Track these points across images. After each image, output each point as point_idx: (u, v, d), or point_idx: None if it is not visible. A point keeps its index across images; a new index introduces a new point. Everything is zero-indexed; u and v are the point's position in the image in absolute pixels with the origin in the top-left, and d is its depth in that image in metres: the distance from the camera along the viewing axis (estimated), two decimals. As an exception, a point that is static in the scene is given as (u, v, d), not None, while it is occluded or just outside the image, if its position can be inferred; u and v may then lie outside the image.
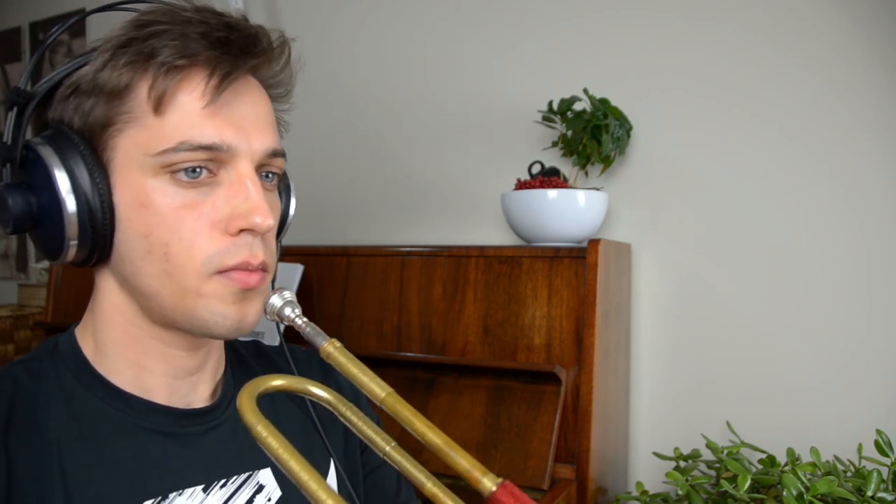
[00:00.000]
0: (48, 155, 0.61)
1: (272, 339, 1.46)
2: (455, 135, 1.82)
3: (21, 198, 0.62)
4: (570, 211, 1.41)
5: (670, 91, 1.55)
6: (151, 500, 0.64)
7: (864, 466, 1.20)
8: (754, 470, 1.24)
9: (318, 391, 0.57)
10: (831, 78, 1.40)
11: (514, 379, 1.33)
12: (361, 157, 1.97)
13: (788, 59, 1.44)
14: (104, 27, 0.71)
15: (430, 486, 0.50)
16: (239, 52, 0.63)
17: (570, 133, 1.52)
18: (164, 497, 0.64)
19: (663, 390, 1.56)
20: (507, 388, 1.33)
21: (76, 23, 0.71)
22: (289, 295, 0.65)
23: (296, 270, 1.52)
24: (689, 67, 1.53)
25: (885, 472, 1.14)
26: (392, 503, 0.87)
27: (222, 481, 0.69)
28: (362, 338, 1.50)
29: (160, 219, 0.61)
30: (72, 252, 0.63)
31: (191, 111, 0.61)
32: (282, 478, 0.73)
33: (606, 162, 1.52)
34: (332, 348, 0.57)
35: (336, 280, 1.55)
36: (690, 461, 1.35)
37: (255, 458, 0.72)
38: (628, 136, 1.53)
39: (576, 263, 1.32)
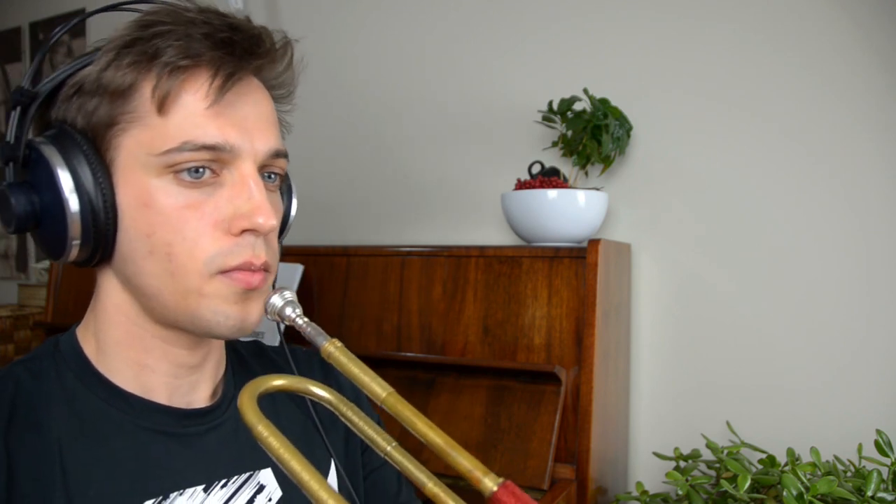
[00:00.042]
0: (51, 154, 0.61)
1: (272, 338, 1.46)
2: (455, 135, 1.82)
3: (24, 197, 0.62)
4: (570, 211, 1.41)
5: (670, 91, 1.55)
6: (152, 500, 0.64)
7: (864, 466, 1.20)
8: (754, 470, 1.24)
9: (319, 391, 0.57)
10: (831, 78, 1.40)
11: (514, 379, 1.33)
12: (361, 157, 1.97)
13: (788, 59, 1.44)
14: (104, 27, 0.71)
15: (432, 486, 0.50)
16: (242, 53, 0.63)
17: (570, 133, 1.52)
18: (165, 497, 0.64)
19: (663, 390, 1.56)
20: (507, 388, 1.33)
21: (68, 23, 0.71)
22: (289, 295, 0.65)
23: (296, 270, 1.52)
24: (689, 67, 1.53)
25: (885, 472, 1.14)
26: (393, 503, 0.87)
27: (223, 481, 0.69)
28: (362, 338, 1.50)
29: (163, 218, 0.62)
30: (74, 252, 0.63)
31: (194, 111, 0.61)
32: (282, 478, 0.73)
33: (606, 162, 1.52)
34: (333, 348, 0.57)
35: (336, 280, 1.55)
36: (690, 461, 1.35)
37: (256, 458, 0.72)
38: (628, 136, 1.53)
39: (576, 263, 1.32)
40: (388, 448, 0.54)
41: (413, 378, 1.42)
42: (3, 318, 2.44)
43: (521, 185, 1.48)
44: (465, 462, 0.48)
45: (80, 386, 0.66)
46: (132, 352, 0.67)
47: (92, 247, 0.63)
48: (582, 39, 1.65)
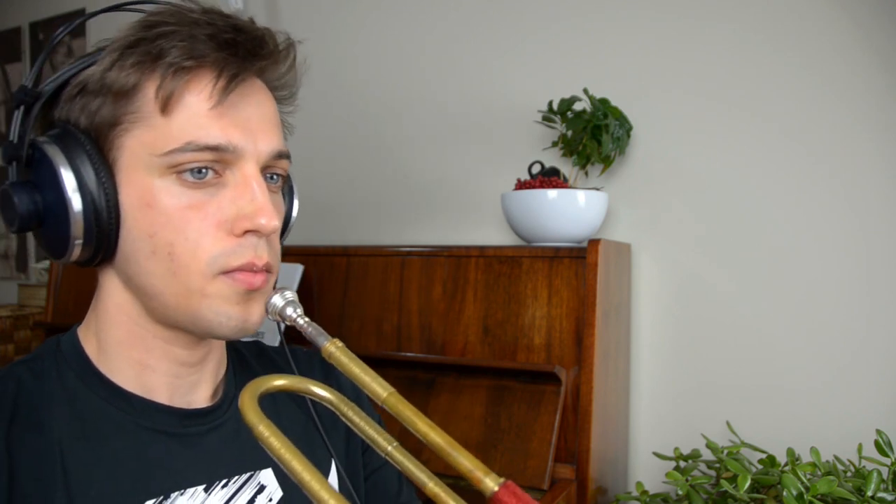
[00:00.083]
0: (54, 154, 0.61)
1: (273, 338, 1.46)
2: (455, 135, 1.82)
3: (27, 196, 0.63)
4: (570, 211, 1.41)
5: (670, 91, 1.55)
6: (153, 500, 0.64)
7: (864, 466, 1.20)
8: (754, 470, 1.24)
9: (320, 391, 0.57)
10: (831, 78, 1.40)
11: (514, 379, 1.33)
12: (361, 157, 1.97)
13: (788, 59, 1.44)
14: (104, 27, 0.71)
15: (432, 486, 0.50)
16: (246, 54, 0.63)
17: (570, 133, 1.52)
18: (166, 497, 0.64)
19: (663, 390, 1.56)
20: (507, 388, 1.33)
21: (72, 22, 0.71)
22: (290, 295, 0.65)
23: (296, 270, 1.52)
24: (689, 67, 1.53)
25: (885, 472, 1.14)
26: (393, 503, 0.87)
27: (224, 481, 0.69)
28: (362, 338, 1.50)
29: (166, 219, 0.62)
30: (77, 251, 0.63)
31: (198, 112, 0.61)
32: (283, 478, 0.73)
33: (606, 162, 1.52)
34: (333, 348, 0.57)
35: (336, 280, 1.55)
36: (690, 461, 1.35)
37: (257, 458, 0.72)
38: (628, 136, 1.53)
39: (576, 263, 1.32)
40: (389, 448, 0.54)
41: (413, 378, 1.42)
42: (3, 318, 2.44)
43: (521, 185, 1.49)
44: (466, 462, 0.48)
45: (82, 386, 0.66)
46: (133, 352, 0.67)
47: (94, 246, 0.63)
48: (582, 39, 1.65)
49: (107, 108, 0.62)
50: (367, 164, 1.96)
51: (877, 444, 1.17)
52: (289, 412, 0.78)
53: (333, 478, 0.79)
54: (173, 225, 0.62)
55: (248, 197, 0.63)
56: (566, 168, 1.56)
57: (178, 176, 0.62)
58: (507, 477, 0.47)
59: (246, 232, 0.63)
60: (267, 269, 0.65)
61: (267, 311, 0.66)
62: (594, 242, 1.31)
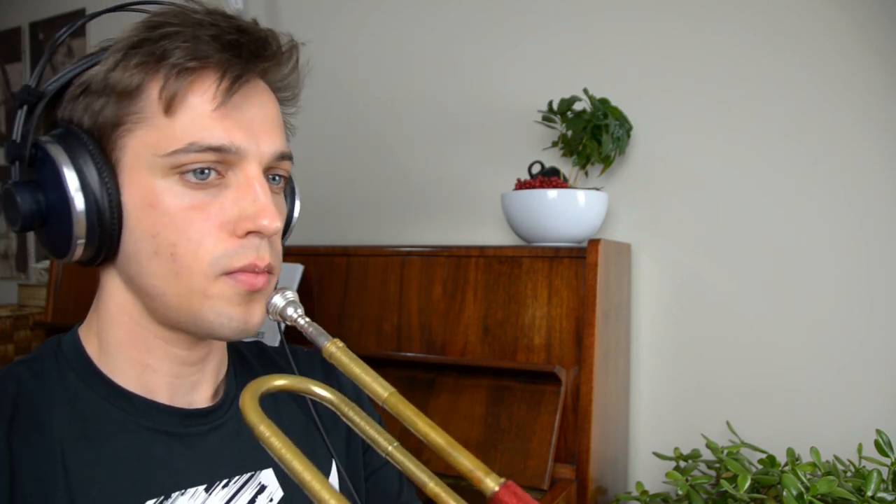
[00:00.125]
0: (57, 153, 0.61)
1: (273, 338, 1.46)
2: (455, 135, 1.82)
3: (30, 196, 0.63)
4: (570, 211, 1.41)
5: (670, 91, 1.55)
6: (154, 500, 0.64)
7: (864, 466, 1.20)
8: (754, 470, 1.24)
9: (321, 391, 0.57)
10: (831, 78, 1.40)
11: (514, 379, 1.33)
12: (361, 157, 1.97)
13: (788, 59, 1.44)
14: (105, 27, 0.71)
15: (433, 486, 0.50)
16: (250, 56, 0.63)
17: (570, 133, 1.52)
18: (167, 497, 0.64)
19: (663, 390, 1.56)
20: (507, 388, 1.33)
21: (75, 22, 0.71)
22: (291, 295, 0.65)
23: (296, 270, 1.52)
24: (689, 67, 1.53)
25: (885, 472, 1.14)
26: (394, 503, 0.87)
27: (224, 481, 0.69)
28: (362, 338, 1.50)
29: (168, 219, 0.62)
30: (79, 251, 0.63)
31: (201, 113, 0.61)
32: (284, 478, 0.73)
33: (606, 162, 1.52)
34: (334, 348, 0.57)
35: (336, 280, 1.55)
36: (690, 461, 1.35)
37: (258, 458, 0.72)
38: (628, 136, 1.53)
39: (576, 263, 1.32)
40: (390, 448, 0.54)
41: (413, 378, 1.42)
42: (3, 318, 2.44)
43: (521, 185, 1.49)
44: (467, 462, 0.48)
45: (83, 386, 0.66)
46: (135, 352, 0.67)
47: (97, 246, 0.63)
48: (582, 39, 1.65)
49: (110, 109, 0.62)
50: (367, 164, 1.96)
51: (877, 444, 1.17)
52: (289, 412, 0.78)
53: (334, 478, 0.79)
54: (176, 225, 0.62)
55: (250, 198, 0.63)
56: (566, 168, 1.56)
57: (181, 176, 0.62)
58: (507, 477, 0.47)
59: (248, 233, 0.63)
60: (269, 271, 0.65)
61: (268, 311, 0.66)
62: (594, 242, 1.31)
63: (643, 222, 1.58)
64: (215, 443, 0.70)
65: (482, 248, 1.41)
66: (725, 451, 1.28)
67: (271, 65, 0.66)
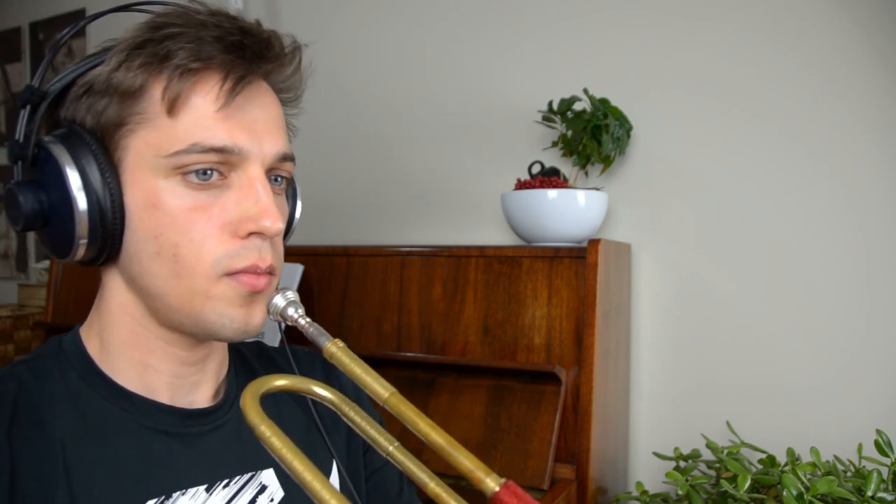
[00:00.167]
0: (60, 153, 0.62)
1: (273, 338, 1.46)
2: (455, 135, 1.82)
3: (32, 195, 0.63)
4: (570, 211, 1.41)
5: (670, 91, 1.55)
6: (155, 500, 0.64)
7: (864, 466, 1.20)
8: (754, 470, 1.25)
9: (322, 391, 0.57)
10: (831, 78, 1.40)
11: (514, 379, 1.33)
12: (361, 157, 1.97)
13: (788, 59, 1.44)
14: (105, 27, 0.71)
15: (434, 486, 0.50)
16: (253, 57, 0.63)
17: (570, 133, 1.52)
18: (168, 497, 0.64)
19: (663, 390, 1.56)
20: (507, 388, 1.33)
21: (78, 22, 0.71)
22: (292, 295, 0.65)
23: (296, 270, 1.52)
24: (689, 67, 1.53)
25: (885, 472, 1.15)
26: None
27: (225, 481, 0.69)
28: (362, 338, 1.50)
29: (170, 220, 0.62)
30: (81, 251, 0.63)
31: (204, 114, 0.61)
32: (284, 478, 0.73)
33: (606, 162, 1.52)
34: (335, 348, 0.57)
35: (336, 280, 1.56)
36: (690, 461, 1.35)
37: (258, 458, 0.72)
38: (628, 136, 1.53)
39: (576, 263, 1.32)
40: (391, 448, 0.54)
41: (413, 378, 1.42)
42: (3, 318, 2.44)
43: (521, 185, 1.49)
44: (467, 462, 0.48)
45: (84, 385, 0.66)
46: (136, 352, 0.67)
47: (99, 246, 0.63)
48: (582, 39, 1.65)
49: (113, 109, 0.62)
50: (367, 164, 1.96)
51: (877, 444, 1.17)
52: (290, 413, 0.79)
53: (335, 478, 0.79)
54: (178, 226, 0.62)
55: (252, 199, 0.63)
56: (566, 168, 1.56)
57: (184, 177, 0.62)
58: (506, 477, 0.47)
59: (250, 234, 0.63)
60: (270, 272, 0.65)
61: (268, 311, 0.66)
62: (594, 242, 1.31)
63: (643, 222, 1.58)
64: (216, 443, 0.70)
65: (482, 248, 1.41)
66: (725, 451, 1.28)
67: (274, 66, 0.66)
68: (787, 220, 1.44)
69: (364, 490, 0.84)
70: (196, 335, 0.67)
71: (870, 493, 1.09)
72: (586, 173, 1.59)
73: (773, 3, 1.45)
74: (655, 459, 1.49)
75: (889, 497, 1.09)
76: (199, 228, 0.62)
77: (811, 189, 1.42)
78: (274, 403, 0.77)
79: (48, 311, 1.97)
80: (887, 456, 1.16)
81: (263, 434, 0.48)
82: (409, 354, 1.44)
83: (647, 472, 1.56)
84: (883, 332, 1.36)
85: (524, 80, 1.72)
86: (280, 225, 0.63)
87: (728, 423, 1.43)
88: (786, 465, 1.22)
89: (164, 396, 0.68)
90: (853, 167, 1.39)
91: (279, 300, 0.65)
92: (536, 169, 1.54)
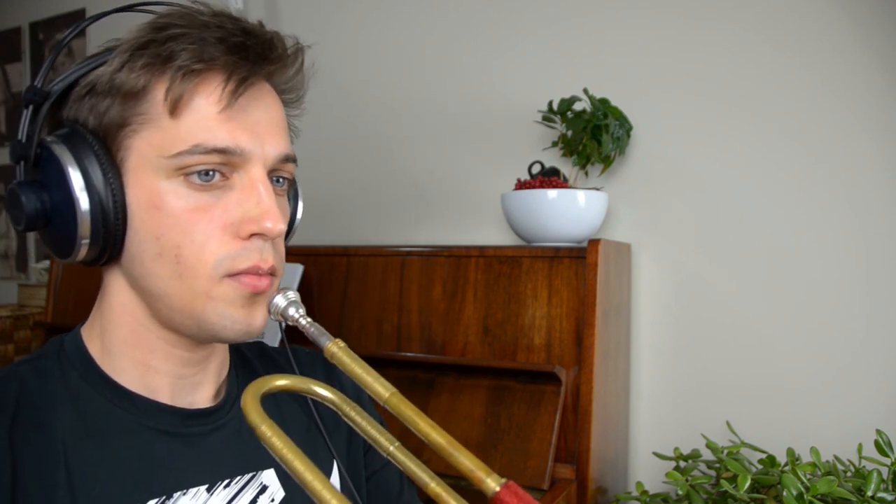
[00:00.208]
0: (62, 153, 0.62)
1: (273, 338, 1.46)
2: (455, 135, 1.82)
3: (34, 195, 0.63)
4: (570, 211, 1.41)
5: (670, 91, 1.55)
6: (155, 500, 0.64)
7: (864, 466, 1.20)
8: (754, 470, 1.25)
9: (322, 391, 0.57)
10: (831, 78, 1.40)
11: (514, 379, 1.33)
12: (361, 157, 1.97)
13: (788, 59, 1.44)
14: (105, 27, 0.71)
15: (434, 485, 0.50)
16: (256, 58, 0.63)
17: (570, 133, 1.52)
18: (169, 497, 0.65)
19: (663, 390, 1.56)
20: (507, 388, 1.33)
21: (81, 23, 0.71)
22: (293, 295, 0.65)
23: (296, 270, 1.52)
24: (689, 67, 1.53)
25: (885, 472, 1.15)
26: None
27: (226, 481, 0.69)
28: (362, 338, 1.50)
29: (172, 220, 0.62)
30: (83, 251, 0.63)
31: (206, 115, 0.62)
32: (285, 478, 0.73)
33: (606, 162, 1.52)
34: (336, 348, 0.57)
35: (336, 280, 1.56)
36: (690, 461, 1.35)
37: (259, 458, 0.72)
38: (628, 136, 1.53)
39: (576, 263, 1.32)
40: (391, 448, 0.54)
41: (413, 378, 1.42)
42: (3, 318, 2.43)
43: (521, 185, 1.49)
44: (468, 462, 0.48)
45: (85, 385, 0.66)
46: (137, 352, 0.67)
47: (101, 246, 0.63)
48: (582, 39, 1.65)
49: (115, 109, 0.62)
50: (367, 164, 1.96)
51: (877, 444, 1.17)
52: (291, 413, 0.79)
53: (335, 478, 0.79)
54: (180, 227, 0.62)
55: (254, 200, 0.63)
56: (566, 168, 1.57)
57: (186, 178, 0.62)
58: (506, 477, 0.47)
59: (252, 235, 0.63)
60: (272, 273, 0.65)
61: (269, 311, 0.66)
62: (594, 242, 1.31)
63: (643, 222, 1.58)
64: (217, 443, 0.70)
65: (482, 248, 1.41)
66: (725, 451, 1.28)
67: (277, 67, 0.66)
68: (787, 220, 1.44)
69: (365, 490, 0.84)
70: (198, 337, 0.66)
71: (870, 493, 1.09)
72: (586, 173, 1.59)
73: (773, 3, 1.45)
74: (655, 459, 1.49)
75: (889, 497, 1.09)
76: (201, 229, 0.62)
77: (811, 189, 1.42)
78: (275, 403, 0.77)
79: (48, 311, 1.97)
80: (887, 456, 1.16)
81: (264, 434, 0.48)
82: (409, 354, 1.44)
83: (647, 472, 1.56)
84: (883, 332, 1.36)
85: (524, 80, 1.72)
86: (282, 226, 0.63)
87: (728, 423, 1.43)
88: (786, 465, 1.22)
89: (165, 396, 0.69)
90: (853, 167, 1.39)
91: (280, 300, 0.65)
92: (536, 169, 1.54)
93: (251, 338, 0.66)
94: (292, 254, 1.59)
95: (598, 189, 1.51)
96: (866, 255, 1.38)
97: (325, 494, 0.45)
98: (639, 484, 1.36)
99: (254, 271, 0.63)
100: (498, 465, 1.26)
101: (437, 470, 0.55)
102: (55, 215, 0.63)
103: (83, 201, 0.61)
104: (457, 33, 1.82)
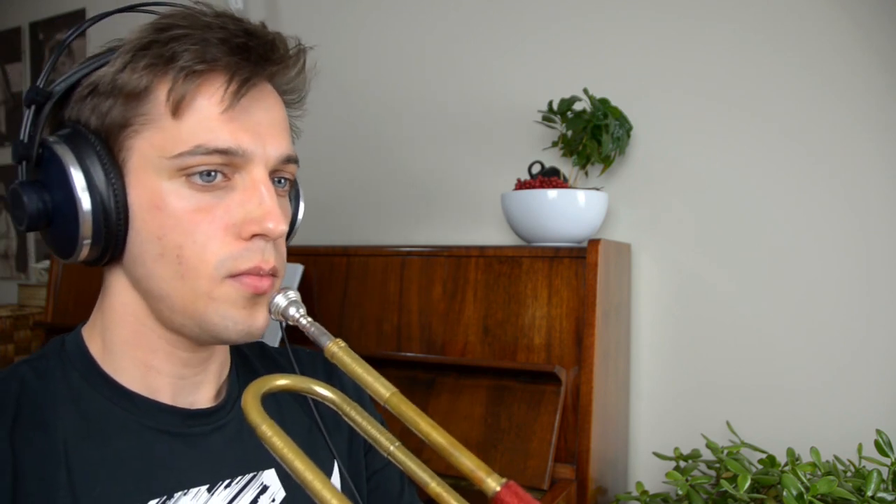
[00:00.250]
0: (64, 153, 0.62)
1: (273, 338, 1.46)
2: (455, 135, 1.82)
3: (36, 195, 0.63)
4: (570, 211, 1.41)
5: (670, 91, 1.55)
6: (156, 500, 0.64)
7: (864, 466, 1.20)
8: (754, 470, 1.25)
9: (323, 391, 0.57)
10: (831, 78, 1.40)
11: (514, 379, 1.33)
12: (361, 157, 1.97)
13: (788, 59, 1.44)
14: (105, 28, 0.71)
15: (434, 485, 0.50)
16: (258, 59, 0.63)
17: (570, 133, 1.52)
18: (169, 497, 0.64)
19: (663, 390, 1.56)
20: (507, 388, 1.33)
21: (79, 22, 0.71)
22: (293, 294, 0.65)
23: (296, 270, 1.52)
24: (689, 67, 1.53)
25: (885, 472, 1.15)
26: None
27: (227, 481, 0.69)
28: (362, 338, 1.50)
29: (174, 221, 0.62)
30: (85, 251, 0.63)
31: (208, 115, 0.62)
32: (286, 478, 0.73)
33: (606, 162, 1.52)
34: (336, 348, 0.57)
35: (336, 280, 1.56)
36: (690, 461, 1.35)
37: (260, 458, 0.72)
38: (628, 136, 1.53)
39: (576, 263, 1.32)
40: (392, 448, 0.54)
41: (413, 378, 1.42)
42: (3, 318, 2.43)
43: (521, 185, 1.49)
44: (468, 462, 0.48)
45: (86, 385, 0.66)
46: (139, 352, 0.67)
47: (102, 247, 0.63)
48: (582, 39, 1.65)
49: (117, 110, 0.62)
50: (367, 164, 1.96)
51: (877, 444, 1.17)
52: (292, 413, 0.79)
53: (336, 478, 0.79)
54: (182, 227, 0.62)
55: (256, 201, 0.63)
56: (566, 168, 1.57)
57: (187, 179, 0.62)
58: (507, 477, 0.47)
59: (253, 236, 0.63)
60: (273, 274, 0.65)
61: (270, 310, 0.66)
62: (594, 242, 1.31)
63: (643, 222, 1.58)
64: (218, 443, 0.70)
65: (482, 248, 1.41)
66: (725, 451, 1.28)
67: (279, 68, 0.66)
68: (787, 220, 1.44)
69: (365, 490, 0.84)
70: (199, 338, 0.66)
71: (870, 493, 1.09)
72: (586, 173, 1.59)
73: (773, 3, 1.45)
74: (655, 459, 1.49)
75: (889, 497, 1.09)
76: (203, 230, 0.62)
77: (811, 189, 1.42)
78: (275, 403, 0.77)
79: (48, 311, 1.97)
80: (887, 456, 1.16)
81: (264, 434, 0.48)
82: (409, 354, 1.44)
83: (647, 472, 1.56)
84: (883, 332, 1.36)
85: (524, 80, 1.72)
86: (283, 227, 0.63)
87: (728, 423, 1.43)
88: (786, 465, 1.22)
89: (166, 397, 0.69)
90: (853, 167, 1.39)
91: (280, 299, 0.65)
92: (536, 169, 1.54)
93: (253, 339, 0.66)
94: (292, 254, 1.59)
95: (598, 189, 1.51)
96: (866, 255, 1.38)
97: (326, 494, 0.45)
98: (639, 484, 1.36)
99: (255, 272, 0.63)
100: (498, 465, 1.26)
101: (437, 470, 0.55)
102: (57, 215, 0.63)
103: (85, 201, 0.61)
104: (457, 33, 1.82)
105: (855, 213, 1.39)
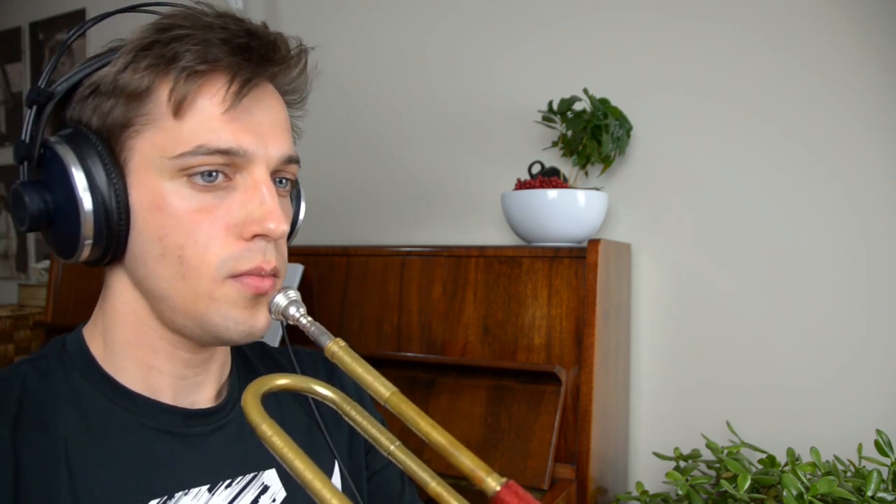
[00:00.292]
0: (65, 153, 0.62)
1: (273, 337, 1.46)
2: (455, 135, 1.82)
3: (37, 195, 0.63)
4: (570, 211, 1.41)
5: (670, 91, 1.55)
6: (157, 500, 0.64)
7: (864, 466, 1.20)
8: (754, 470, 1.25)
9: (323, 390, 0.57)
10: (831, 78, 1.40)
11: (514, 379, 1.33)
12: (361, 157, 1.97)
13: (788, 59, 1.44)
14: (104, 28, 0.71)
15: (435, 485, 0.50)
16: (260, 59, 0.63)
17: (570, 133, 1.52)
18: (170, 497, 0.65)
19: (663, 390, 1.56)
20: (507, 388, 1.33)
21: (79, 22, 0.71)
22: (294, 294, 0.65)
23: (296, 270, 1.52)
24: (689, 67, 1.53)
25: (885, 472, 1.15)
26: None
27: (227, 481, 0.69)
28: (362, 338, 1.50)
29: (175, 221, 0.62)
30: (86, 251, 0.63)
31: (210, 116, 0.62)
32: (286, 478, 0.73)
33: (606, 162, 1.52)
34: (336, 347, 0.57)
35: (336, 280, 1.56)
36: (690, 461, 1.35)
37: (261, 458, 0.72)
38: (628, 136, 1.53)
39: (576, 263, 1.32)
40: (392, 447, 0.54)
41: (413, 378, 1.42)
42: (3, 318, 2.44)
43: (521, 185, 1.49)
44: (469, 462, 0.48)
45: (87, 385, 0.66)
46: (140, 352, 0.67)
47: (104, 247, 0.63)
48: (582, 39, 1.65)
49: (119, 110, 0.62)
50: (367, 164, 1.96)
51: (877, 444, 1.17)
52: (292, 413, 0.79)
53: (336, 478, 0.79)
54: (183, 228, 0.62)
55: (257, 201, 0.63)
56: (566, 168, 1.57)
57: (189, 179, 0.62)
58: (507, 477, 0.47)
59: (255, 236, 0.63)
60: (274, 274, 0.65)
61: (270, 310, 0.66)
62: (594, 242, 1.31)
63: (643, 222, 1.58)
64: (218, 443, 0.70)
65: (482, 248, 1.41)
66: (725, 451, 1.28)
67: (280, 69, 0.66)
68: (787, 220, 1.44)
69: (366, 490, 0.84)
70: (201, 339, 0.66)
71: (870, 493, 1.09)
72: (586, 173, 1.59)
73: (773, 3, 1.45)
74: (655, 459, 1.49)
75: (889, 497, 1.09)
76: (204, 230, 0.62)
77: (811, 189, 1.42)
78: (276, 403, 0.77)
79: (48, 311, 1.98)
80: (887, 456, 1.16)
81: (265, 433, 0.48)
82: (409, 354, 1.44)
83: (647, 472, 1.56)
84: (883, 332, 1.36)
85: (524, 80, 1.72)
86: (284, 227, 0.63)
87: (728, 423, 1.43)
88: (786, 465, 1.22)
89: (166, 396, 0.69)
90: (853, 167, 1.39)
91: (281, 299, 0.65)
92: (536, 169, 1.54)
93: (254, 339, 0.66)
94: (293, 254, 1.59)
95: (598, 189, 1.51)
96: (866, 255, 1.38)
97: (326, 494, 0.45)
98: (639, 484, 1.36)
99: (256, 272, 0.63)
100: (498, 464, 1.26)
101: (437, 469, 0.55)
102: (58, 215, 0.63)
103: (86, 202, 0.61)
104: (457, 33, 1.82)
105: (855, 213, 1.39)
